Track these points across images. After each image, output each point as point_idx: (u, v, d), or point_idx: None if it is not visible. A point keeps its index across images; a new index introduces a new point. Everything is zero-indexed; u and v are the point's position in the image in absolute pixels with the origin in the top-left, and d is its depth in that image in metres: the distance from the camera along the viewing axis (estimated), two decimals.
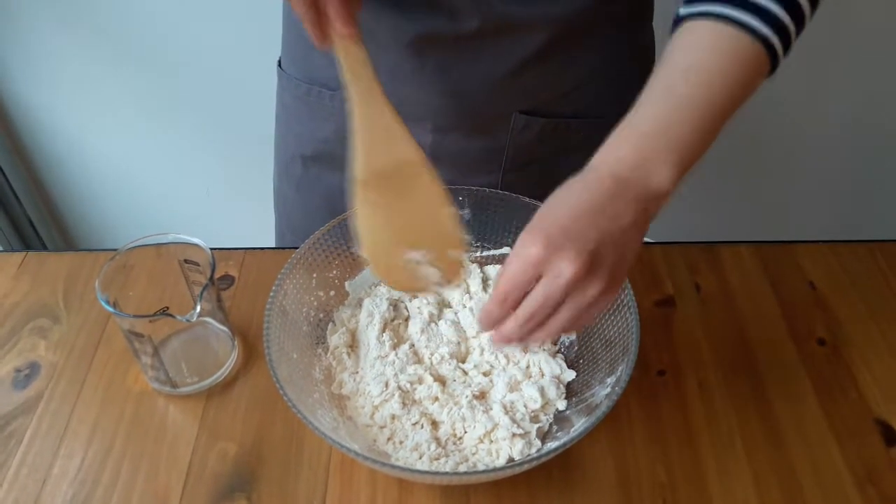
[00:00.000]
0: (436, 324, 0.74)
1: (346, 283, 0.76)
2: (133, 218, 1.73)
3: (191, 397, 0.71)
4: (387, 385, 0.67)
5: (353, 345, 0.73)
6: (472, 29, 0.71)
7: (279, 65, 0.91)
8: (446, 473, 0.61)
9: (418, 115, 0.79)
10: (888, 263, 0.84)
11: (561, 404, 0.67)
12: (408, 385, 0.67)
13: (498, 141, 0.82)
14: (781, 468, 0.66)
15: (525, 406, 0.66)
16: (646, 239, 0.92)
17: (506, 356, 0.71)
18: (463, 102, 0.78)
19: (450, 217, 0.63)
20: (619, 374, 0.62)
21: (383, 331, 0.72)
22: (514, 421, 0.64)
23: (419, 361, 0.71)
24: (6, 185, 1.58)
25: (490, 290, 0.74)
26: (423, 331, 0.73)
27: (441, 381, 0.69)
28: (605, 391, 0.64)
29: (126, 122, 1.55)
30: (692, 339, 0.77)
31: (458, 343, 0.72)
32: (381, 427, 0.66)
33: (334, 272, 0.75)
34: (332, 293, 0.75)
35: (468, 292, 0.77)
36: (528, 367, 0.71)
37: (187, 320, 0.65)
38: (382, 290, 0.77)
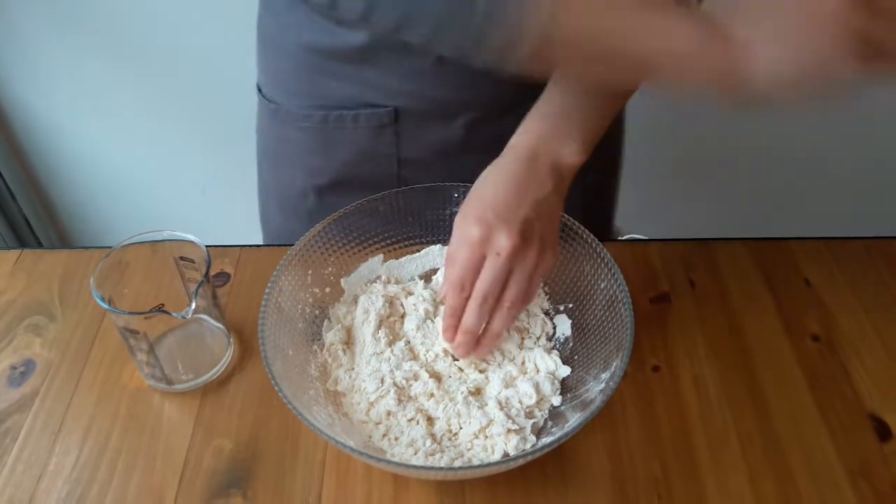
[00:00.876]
0: (431, 320, 0.74)
1: (342, 280, 0.77)
2: (129, 215, 1.73)
3: (186, 394, 0.71)
4: (382, 381, 0.67)
5: (349, 341, 0.73)
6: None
7: (267, 101, 0.87)
8: (441, 469, 0.61)
9: (451, 114, 0.80)
10: (883, 260, 0.84)
11: (556, 400, 0.68)
12: (403, 381, 0.68)
13: (512, 127, 0.83)
14: (776, 463, 0.66)
15: (520, 402, 0.66)
16: (641, 236, 0.92)
17: (501, 352, 0.71)
18: (495, 92, 0.79)
19: None
20: (613, 369, 0.63)
21: (379, 327, 0.72)
22: (508, 417, 0.64)
23: (415, 358, 0.71)
24: (2, 182, 1.58)
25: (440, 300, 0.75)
26: (418, 327, 0.73)
27: (437, 377, 0.69)
28: (599, 387, 0.64)
29: (122, 120, 1.54)
30: (687, 336, 0.77)
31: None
32: (377, 423, 0.66)
33: (330, 269, 0.75)
34: (327, 290, 0.75)
35: None
36: (523, 363, 0.71)
37: (182, 317, 0.65)
38: (378, 286, 0.77)
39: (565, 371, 0.70)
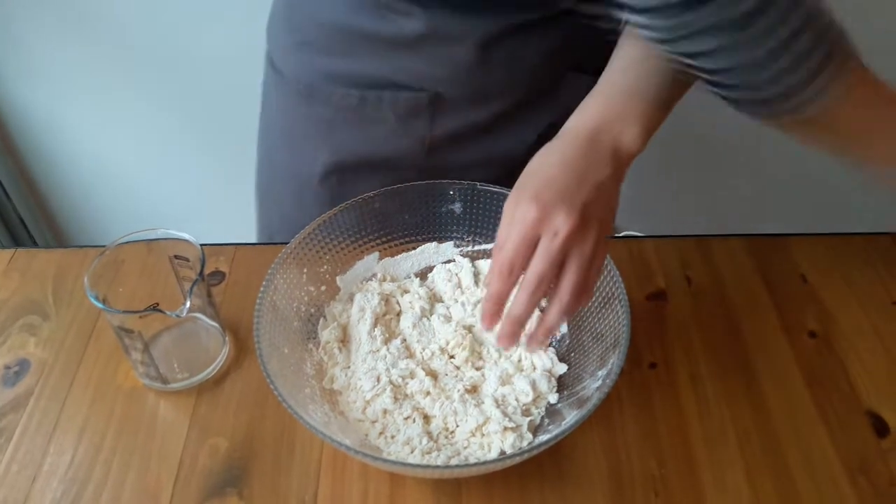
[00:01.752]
0: (427, 318, 0.74)
1: (338, 278, 0.76)
2: (124, 214, 1.72)
3: (182, 393, 0.71)
4: (378, 380, 0.67)
5: (345, 340, 0.73)
6: (538, 16, 0.72)
7: (287, 78, 0.85)
8: (438, 467, 0.61)
9: (482, 102, 0.81)
10: (880, 257, 0.84)
11: (552, 398, 0.67)
12: (399, 379, 0.67)
13: (551, 101, 0.83)
14: (773, 460, 0.66)
15: (517, 399, 0.66)
16: (636, 233, 0.92)
17: (497, 350, 0.71)
18: (524, 81, 0.79)
19: None
20: (610, 366, 0.62)
21: (375, 325, 0.72)
22: (505, 414, 0.64)
23: (411, 356, 0.71)
24: None
25: (484, 285, 0.74)
26: (414, 325, 0.73)
27: (433, 375, 0.69)
28: (596, 384, 0.64)
29: (117, 119, 1.54)
30: (684, 333, 0.77)
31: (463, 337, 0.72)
32: (373, 422, 0.66)
33: (325, 267, 0.75)
34: (322, 288, 0.75)
35: (460, 287, 0.77)
36: (519, 360, 0.71)
37: (177, 316, 0.65)
38: (374, 285, 0.76)
39: (562, 368, 0.69)
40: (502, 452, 0.63)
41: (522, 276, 0.58)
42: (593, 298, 0.69)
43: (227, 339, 0.74)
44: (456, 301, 0.76)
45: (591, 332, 0.69)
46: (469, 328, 0.73)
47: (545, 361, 0.69)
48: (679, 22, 0.52)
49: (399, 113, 0.81)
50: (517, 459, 0.58)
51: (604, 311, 0.67)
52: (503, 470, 0.62)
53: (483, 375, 0.69)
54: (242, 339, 0.76)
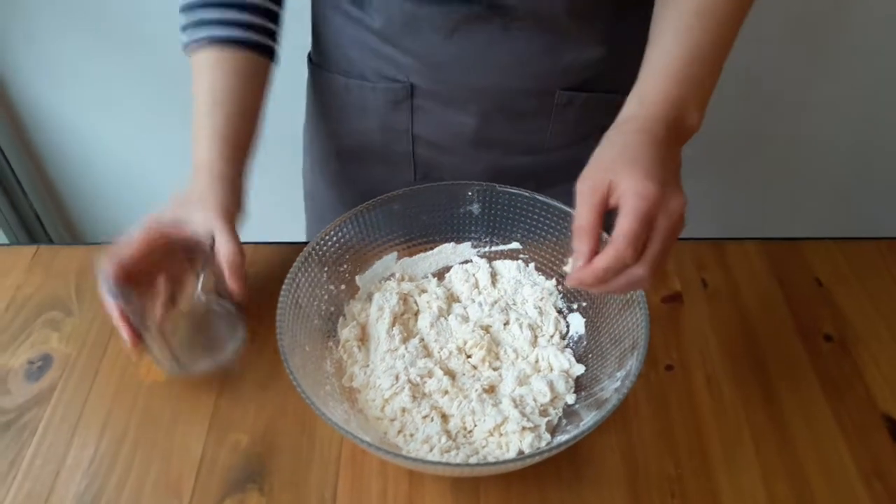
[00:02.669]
0: (445, 318, 0.74)
1: (357, 278, 0.77)
2: (140, 212, 1.73)
3: (202, 389, 0.72)
4: (397, 378, 0.68)
5: (364, 338, 0.74)
6: (514, 8, 0.72)
7: (309, 60, 0.90)
8: (458, 465, 0.61)
9: (463, 100, 0.81)
10: (895, 260, 0.85)
11: (570, 398, 0.68)
12: (418, 378, 0.68)
13: (541, 121, 0.83)
14: (789, 463, 0.67)
15: (534, 400, 0.67)
16: None
17: (514, 350, 0.72)
18: (505, 84, 0.79)
19: None
20: (628, 368, 0.63)
21: (393, 324, 0.73)
22: (523, 414, 0.65)
23: (429, 355, 0.71)
24: (13, 179, 1.59)
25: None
26: (432, 325, 0.73)
27: (451, 374, 0.70)
28: (614, 385, 0.64)
29: (132, 117, 1.55)
30: (700, 335, 0.77)
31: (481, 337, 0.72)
32: (392, 420, 0.66)
33: (345, 266, 0.76)
34: (342, 287, 0.76)
35: (477, 287, 0.78)
36: (536, 361, 0.71)
37: (198, 299, 0.64)
38: (392, 284, 0.77)
39: (579, 369, 0.70)
40: (520, 452, 0.63)
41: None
42: (610, 300, 0.70)
43: (243, 321, 0.73)
44: (473, 301, 0.77)
45: (610, 334, 0.69)
46: (486, 328, 0.74)
47: (563, 362, 0.70)
48: None
49: (380, 103, 0.83)
50: (536, 459, 0.59)
51: (623, 313, 0.68)
52: (521, 470, 0.63)
53: (500, 376, 0.70)
54: (263, 336, 0.76)
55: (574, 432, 0.60)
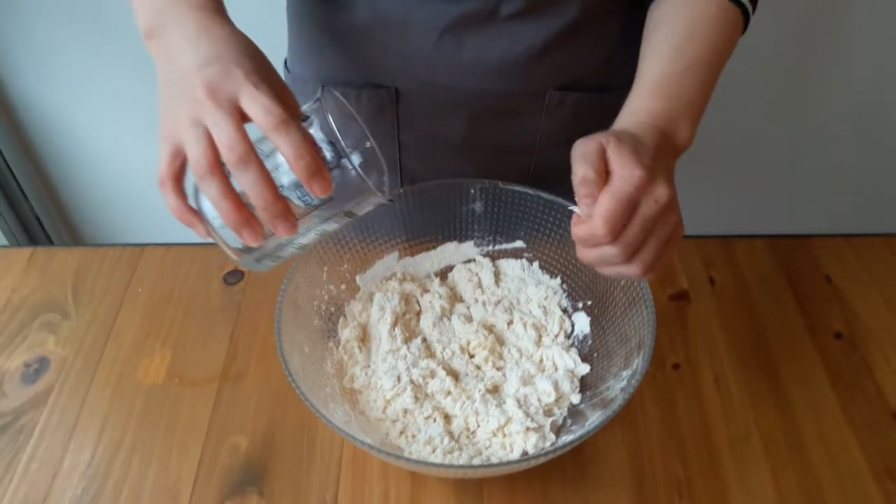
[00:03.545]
0: (447, 318, 0.73)
1: (357, 277, 0.76)
2: (139, 213, 1.73)
3: (200, 391, 0.71)
4: (399, 379, 0.66)
5: (364, 339, 0.73)
6: (512, 10, 0.71)
7: (286, 67, 0.89)
8: (461, 466, 0.60)
9: (455, 103, 0.79)
10: None
11: (575, 398, 0.67)
12: (420, 379, 0.67)
13: (532, 122, 0.82)
14: (799, 462, 0.65)
15: (539, 400, 0.66)
16: None
17: (518, 350, 0.70)
18: (498, 85, 0.77)
19: None
20: (634, 367, 0.62)
21: (395, 325, 0.72)
22: (527, 415, 0.64)
23: (431, 355, 0.70)
24: (13, 181, 1.58)
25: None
26: (434, 325, 0.72)
27: (453, 375, 0.68)
28: (620, 385, 0.63)
29: (134, 119, 1.54)
30: (707, 333, 0.76)
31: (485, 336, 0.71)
32: (394, 421, 0.65)
33: (345, 266, 0.75)
34: (342, 287, 0.75)
35: (480, 286, 0.77)
36: (541, 360, 0.70)
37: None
38: (393, 284, 0.76)
39: (584, 369, 0.69)
40: (525, 453, 0.62)
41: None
42: (616, 298, 0.69)
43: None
44: (476, 301, 0.75)
45: (616, 333, 0.68)
46: (490, 328, 0.72)
47: (567, 362, 0.69)
48: None
49: (365, 110, 0.81)
50: (541, 460, 0.57)
51: (629, 312, 0.66)
52: (526, 471, 0.62)
53: (504, 376, 0.69)
54: (263, 337, 0.75)
55: (579, 432, 0.58)
